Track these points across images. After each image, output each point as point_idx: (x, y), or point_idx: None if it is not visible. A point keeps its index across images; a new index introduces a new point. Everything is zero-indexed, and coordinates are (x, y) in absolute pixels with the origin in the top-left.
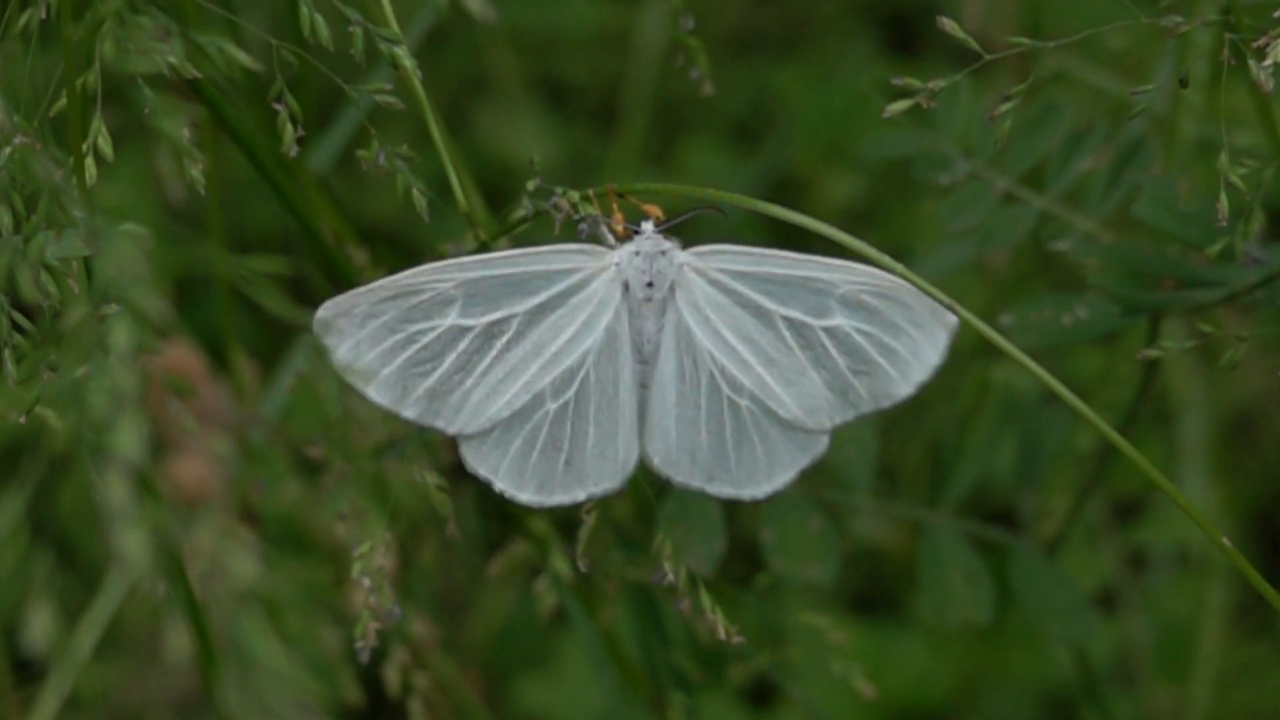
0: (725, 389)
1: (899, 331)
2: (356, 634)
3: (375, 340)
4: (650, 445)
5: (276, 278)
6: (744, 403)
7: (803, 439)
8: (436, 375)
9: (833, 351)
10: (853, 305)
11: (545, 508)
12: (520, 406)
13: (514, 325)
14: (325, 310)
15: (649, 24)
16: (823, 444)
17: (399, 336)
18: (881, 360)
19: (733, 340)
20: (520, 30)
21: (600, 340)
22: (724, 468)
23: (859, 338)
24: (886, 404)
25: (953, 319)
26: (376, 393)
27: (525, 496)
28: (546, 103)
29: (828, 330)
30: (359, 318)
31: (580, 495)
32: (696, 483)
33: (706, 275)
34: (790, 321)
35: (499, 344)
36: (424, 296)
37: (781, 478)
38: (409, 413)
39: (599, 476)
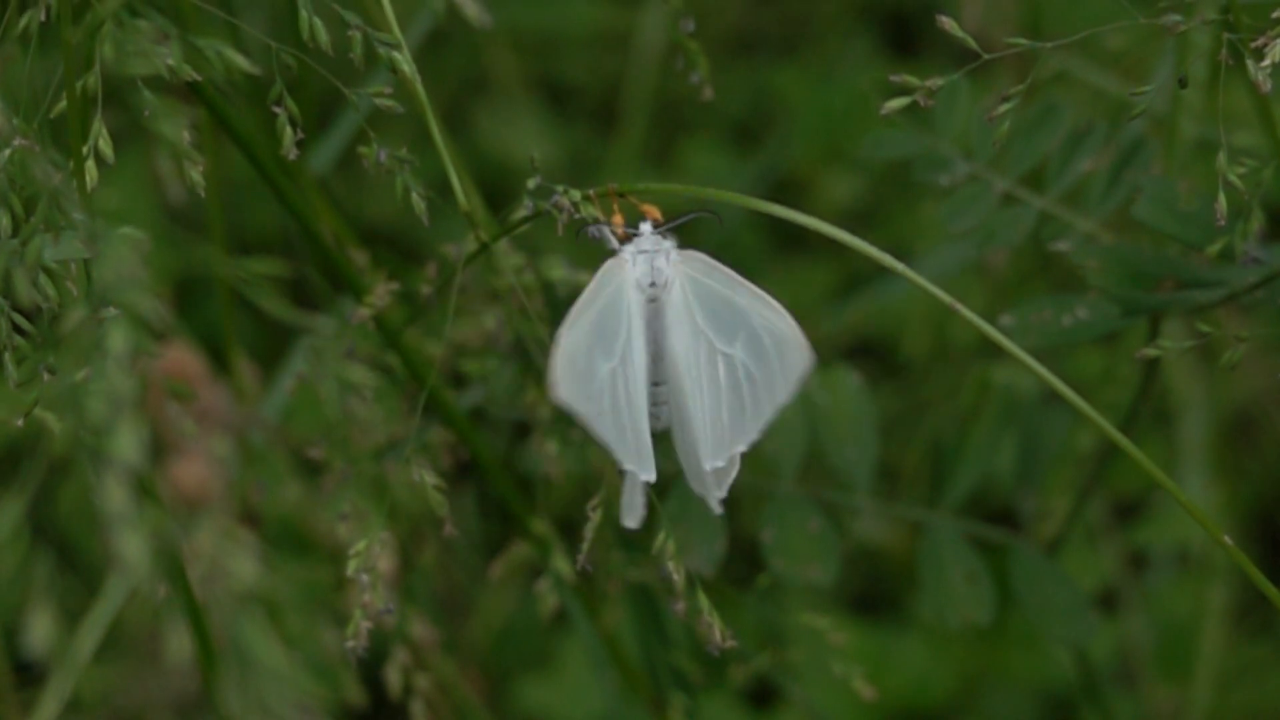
0: (721, 347)
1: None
2: (348, 633)
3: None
4: (701, 451)
5: (276, 280)
6: (738, 355)
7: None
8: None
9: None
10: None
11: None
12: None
13: (620, 349)
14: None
15: (649, 24)
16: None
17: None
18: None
19: (709, 327)
20: (520, 31)
21: (637, 344)
22: (748, 419)
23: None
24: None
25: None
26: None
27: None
28: (546, 103)
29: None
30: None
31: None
32: (739, 448)
33: (680, 274)
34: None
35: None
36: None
37: (793, 377)
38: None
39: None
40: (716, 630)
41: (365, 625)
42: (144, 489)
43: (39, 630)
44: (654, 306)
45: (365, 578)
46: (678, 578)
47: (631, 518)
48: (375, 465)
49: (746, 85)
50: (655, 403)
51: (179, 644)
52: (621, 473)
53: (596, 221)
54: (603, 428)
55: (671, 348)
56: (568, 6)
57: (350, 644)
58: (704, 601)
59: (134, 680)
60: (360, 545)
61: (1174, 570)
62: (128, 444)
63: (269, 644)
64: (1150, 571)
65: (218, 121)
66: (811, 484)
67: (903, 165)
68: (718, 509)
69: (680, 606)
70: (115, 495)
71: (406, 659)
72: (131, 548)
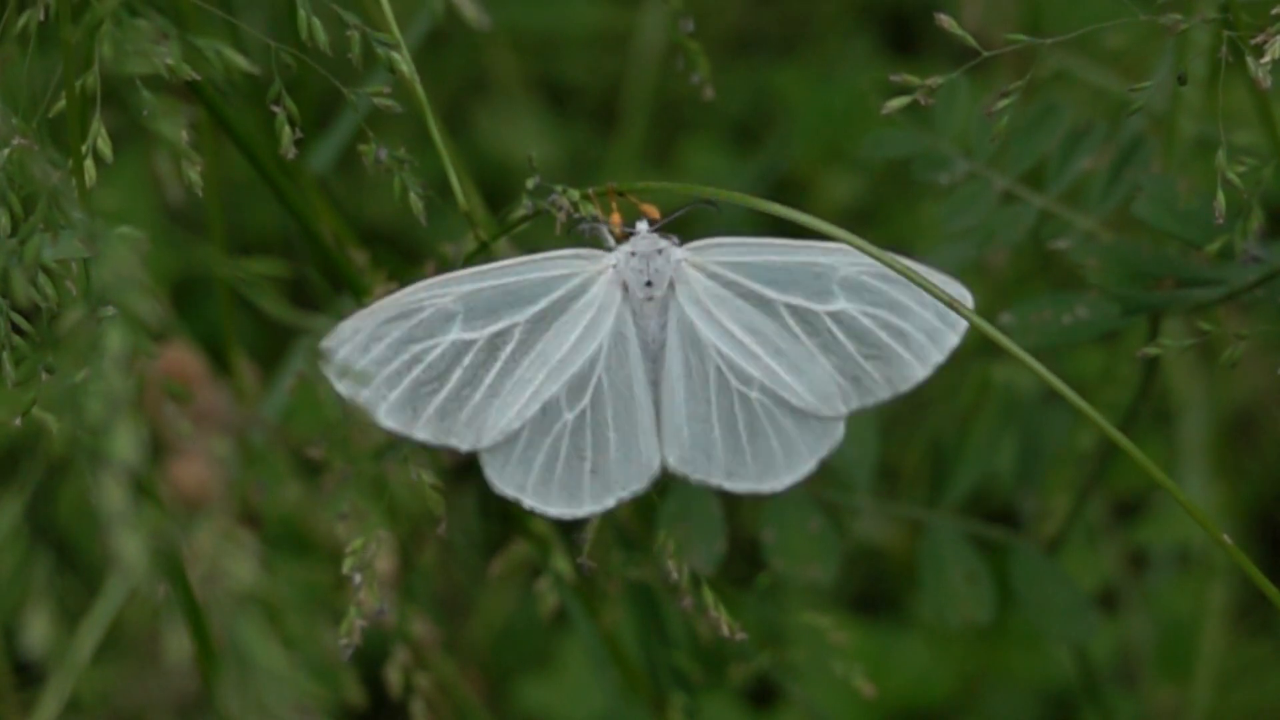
0: (734, 382)
1: (908, 312)
2: (341, 631)
3: (381, 363)
4: (665, 446)
5: (276, 280)
6: (754, 394)
7: (818, 427)
8: (444, 393)
9: (840, 336)
10: (856, 288)
11: (576, 519)
12: (534, 417)
13: (516, 334)
14: (328, 340)
15: (649, 24)
16: (839, 431)
17: (404, 357)
18: (892, 343)
19: (738, 332)
20: (520, 31)
21: (608, 344)
22: (740, 463)
23: (866, 321)
24: (904, 387)
25: (966, 294)
26: (386, 416)
27: (555, 510)
28: (546, 103)
29: (833, 315)
30: (362, 343)
31: (610, 501)
32: (715, 480)
33: (705, 269)
34: (793, 308)
35: (503, 355)
36: (425, 314)
37: (802, 468)
38: (421, 434)
39: (626, 480)
40: (724, 623)
41: (360, 624)
42: (143, 489)
43: (37, 630)
44: (652, 305)
45: (359, 576)
46: (678, 575)
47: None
48: (376, 465)
49: (746, 85)
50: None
51: (179, 644)
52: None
53: (594, 220)
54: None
55: (697, 339)
56: (568, 6)
57: (344, 642)
58: (709, 595)
59: (134, 681)
60: (357, 544)
61: (1174, 570)
62: (126, 444)
63: (268, 645)
64: (1150, 571)
65: (217, 121)
66: (811, 483)
67: (902, 164)
68: (781, 487)
69: (688, 601)
70: (114, 495)
71: (407, 658)
72: (130, 548)
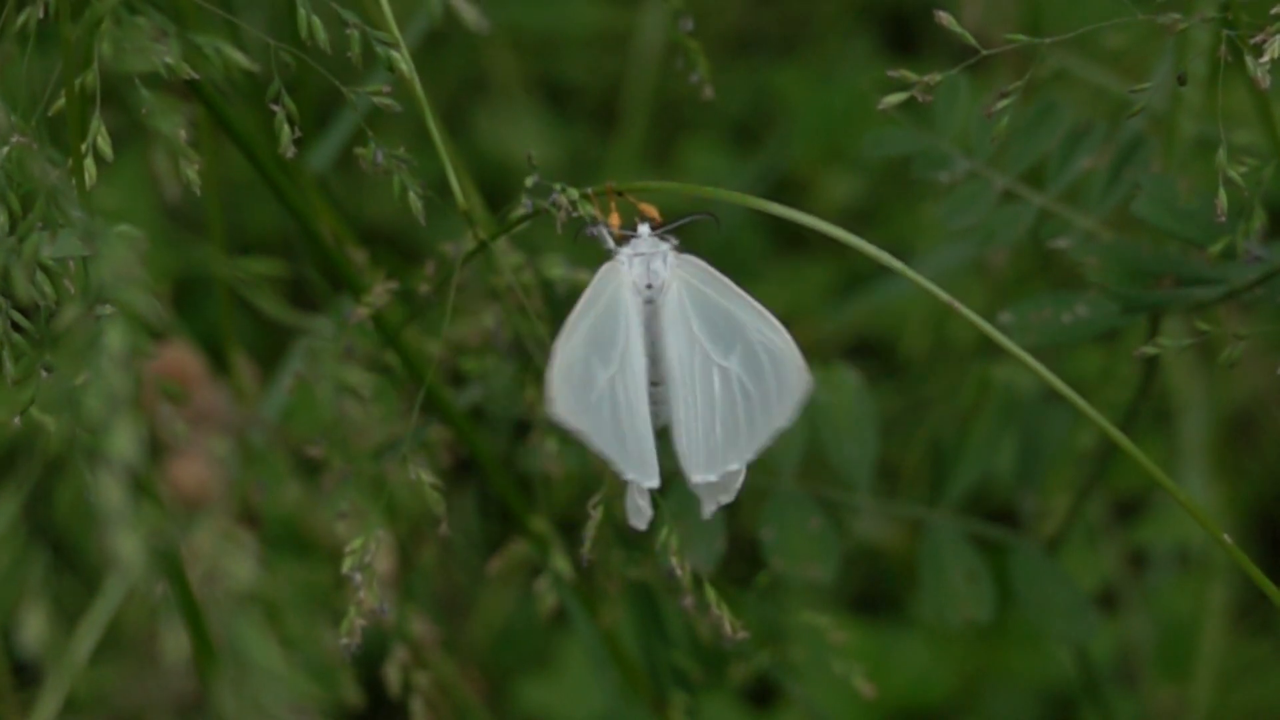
0: (717, 359)
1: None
2: (341, 631)
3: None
4: (676, 444)
5: (275, 279)
6: (733, 368)
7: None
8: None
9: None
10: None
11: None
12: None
13: (617, 355)
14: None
15: (649, 24)
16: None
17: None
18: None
19: (705, 336)
20: (520, 30)
21: (636, 347)
22: (742, 432)
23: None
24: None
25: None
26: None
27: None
28: (546, 103)
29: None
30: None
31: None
32: (734, 465)
33: (679, 278)
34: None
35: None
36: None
37: (793, 397)
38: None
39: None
40: (726, 622)
41: (360, 623)
42: (142, 489)
43: (33, 629)
44: (650, 308)
45: (359, 576)
46: (681, 573)
47: (639, 519)
48: (375, 464)
49: (746, 85)
50: (655, 401)
51: (177, 644)
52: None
53: (594, 221)
54: (602, 439)
55: (667, 352)
56: (567, 6)
57: (344, 641)
58: (711, 594)
59: (132, 680)
60: (356, 543)
61: (1174, 569)
62: (125, 442)
63: (266, 645)
64: (1150, 570)
65: (216, 120)
66: (811, 482)
67: (902, 164)
68: (707, 515)
69: (689, 601)
70: (112, 494)
71: (406, 658)
72: (128, 547)
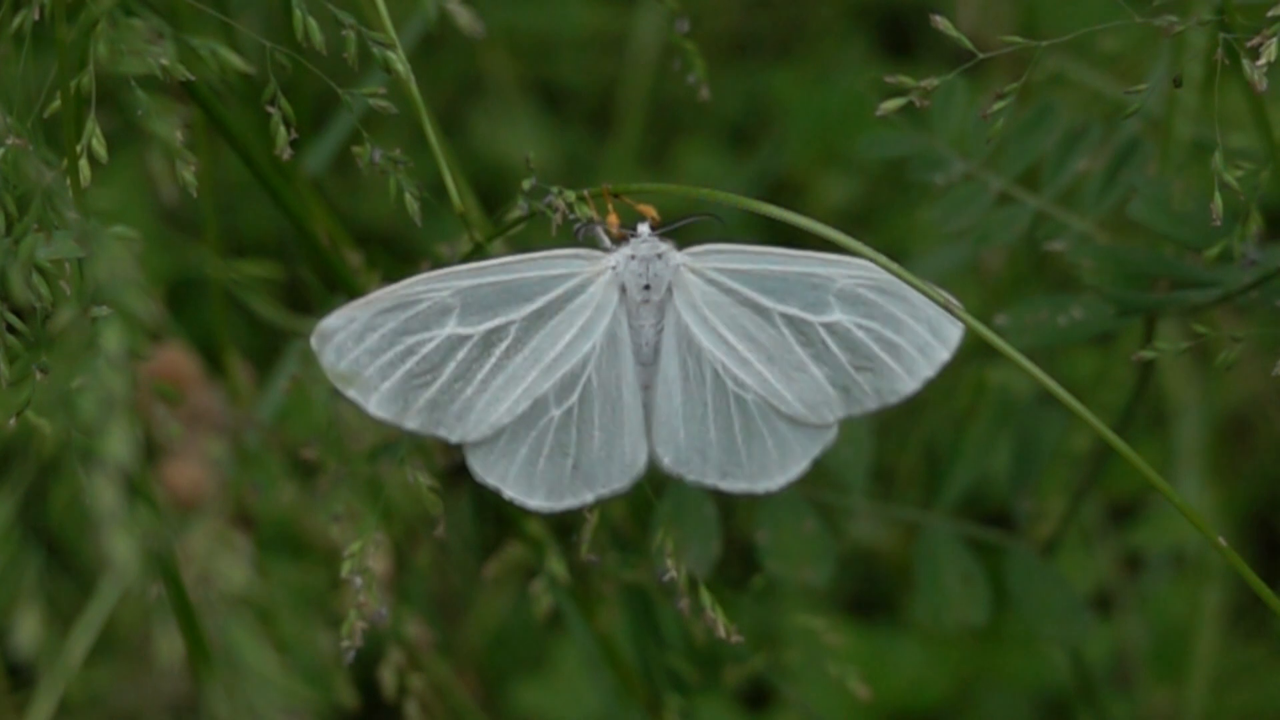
0: (730, 385)
1: (902, 326)
2: (343, 633)
3: (374, 353)
4: (659, 447)
5: (271, 281)
6: (750, 396)
7: (812, 430)
8: (437, 385)
9: (833, 347)
10: (851, 300)
11: (555, 512)
12: (522, 413)
13: (512, 332)
14: (323, 326)
15: (644, 26)
16: (832, 433)
17: (398, 349)
18: (885, 356)
19: (732, 339)
20: (515, 33)
21: (600, 344)
22: (735, 463)
23: (860, 333)
24: (892, 400)
25: (955, 301)
26: (377, 407)
27: (535, 502)
28: (542, 105)
29: (827, 326)
30: (357, 332)
31: (589, 497)
32: (710, 480)
33: (703, 275)
34: (788, 318)
35: (498, 351)
36: (422, 306)
37: (795, 469)
38: (411, 424)
39: (607, 478)
40: (720, 625)
41: (360, 626)
42: (137, 490)
43: (26, 630)
44: (649, 308)
45: (359, 579)
46: (676, 576)
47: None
48: (370, 466)
49: (742, 87)
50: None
51: (170, 646)
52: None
53: (590, 222)
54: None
55: (694, 342)
56: (563, 8)
57: (345, 645)
58: (706, 597)
59: (127, 682)
60: (355, 546)
61: (1169, 572)
62: (119, 444)
63: (259, 648)
64: (1146, 573)
65: (212, 121)
66: (806, 485)
67: (898, 165)
68: (776, 487)
69: (684, 603)
70: (106, 495)
71: (401, 660)
72: (122, 549)
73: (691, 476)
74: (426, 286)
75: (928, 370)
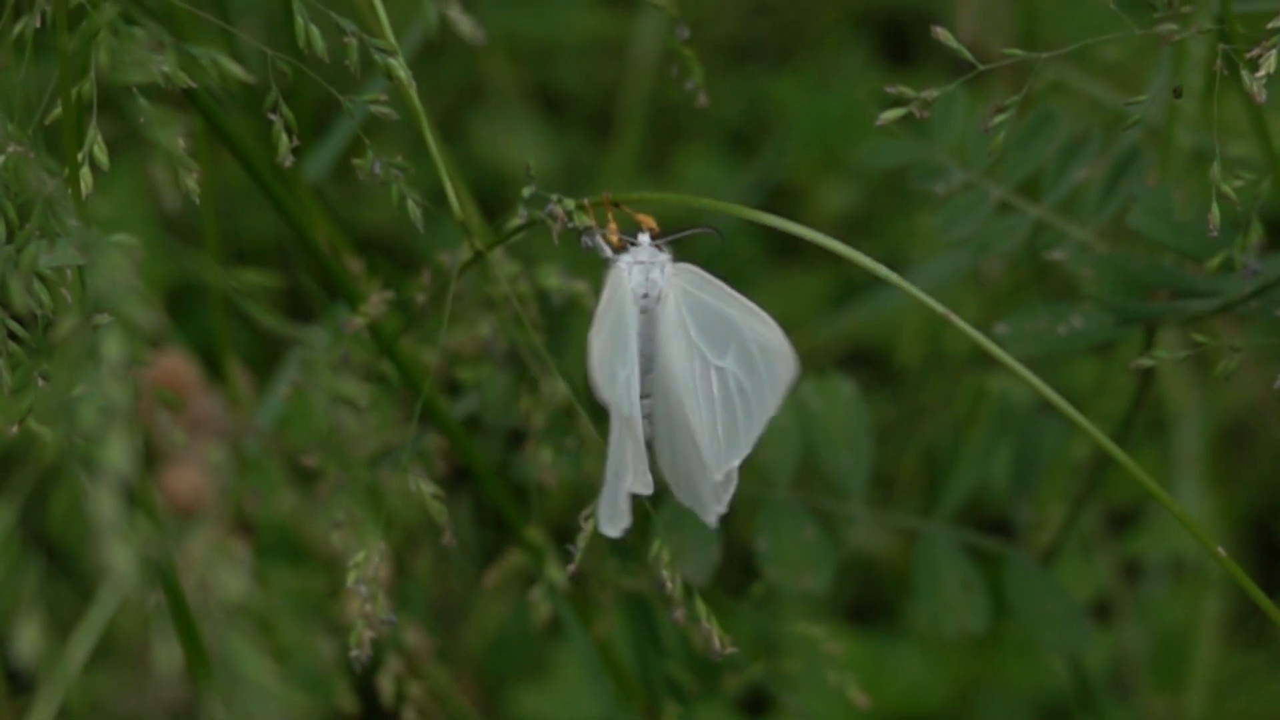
0: (714, 361)
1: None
2: (350, 642)
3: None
4: (660, 458)
5: (271, 289)
6: (732, 379)
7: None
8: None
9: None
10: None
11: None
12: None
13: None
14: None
15: (644, 32)
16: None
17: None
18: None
19: (702, 341)
20: (516, 39)
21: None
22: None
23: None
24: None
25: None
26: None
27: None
28: (542, 111)
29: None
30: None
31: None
32: (734, 461)
33: (675, 287)
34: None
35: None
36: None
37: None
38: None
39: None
40: (715, 636)
41: (368, 635)
42: (136, 498)
43: (27, 638)
44: (646, 318)
45: (365, 588)
46: (672, 585)
47: (613, 526)
48: (370, 473)
49: (742, 93)
50: (645, 415)
51: (169, 654)
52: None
53: (590, 230)
54: (617, 432)
55: (666, 361)
56: (563, 14)
57: (354, 654)
58: (702, 608)
59: (126, 688)
60: (359, 556)
61: (1169, 580)
62: (119, 453)
63: (256, 657)
64: (1145, 581)
65: (213, 129)
66: (806, 492)
67: (899, 173)
68: (713, 523)
69: (679, 614)
70: (106, 504)
71: (400, 667)
72: (121, 558)
73: (718, 475)
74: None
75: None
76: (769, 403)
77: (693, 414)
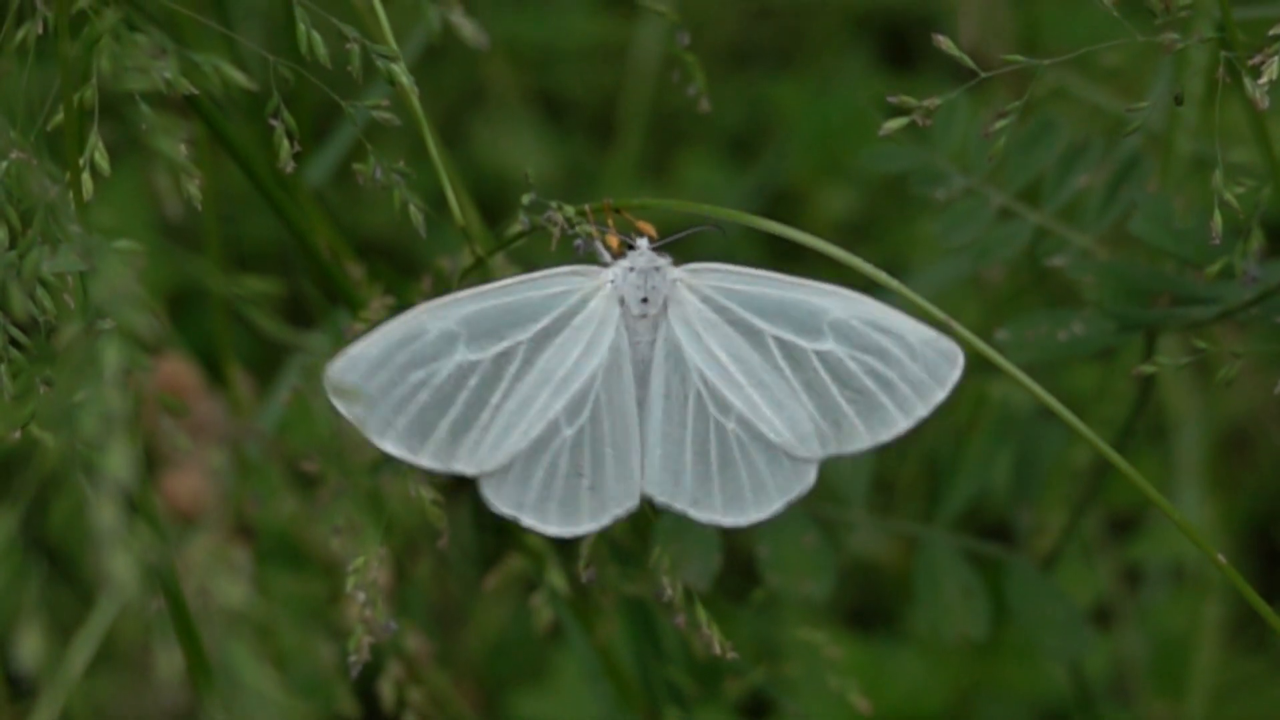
0: (712, 409)
1: (896, 362)
2: (349, 647)
3: (386, 390)
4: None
5: (272, 295)
6: (730, 425)
7: (789, 469)
8: (451, 416)
9: (825, 376)
10: (846, 332)
11: (574, 537)
12: (536, 436)
13: (520, 353)
14: (333, 368)
15: (645, 37)
16: (810, 476)
17: (410, 382)
18: (877, 390)
19: (724, 358)
20: (517, 43)
21: (606, 359)
22: (707, 492)
23: (853, 364)
24: (885, 437)
25: (958, 353)
26: (393, 445)
27: (553, 529)
28: (543, 116)
29: (820, 354)
30: (366, 370)
31: (606, 519)
32: (679, 505)
33: (699, 292)
34: (782, 342)
35: (509, 374)
36: (429, 337)
37: (768, 508)
38: (426, 460)
39: (621, 497)
40: (716, 642)
41: (367, 640)
42: (137, 504)
43: (29, 645)
44: (647, 323)
45: (364, 594)
46: (673, 592)
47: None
48: (371, 478)
49: (743, 98)
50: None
51: (170, 659)
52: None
53: (589, 236)
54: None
55: (683, 359)
56: (564, 19)
57: (352, 659)
58: (702, 613)
59: (127, 693)
60: (359, 561)
61: (1169, 585)
62: (120, 461)
63: (257, 662)
64: (1145, 586)
65: (215, 135)
66: (808, 499)
67: (900, 178)
68: (767, 515)
69: (680, 620)
70: (106, 513)
71: (400, 671)
72: (121, 567)
73: (662, 499)
74: (430, 316)
75: (922, 409)
76: (918, 372)
77: (742, 398)
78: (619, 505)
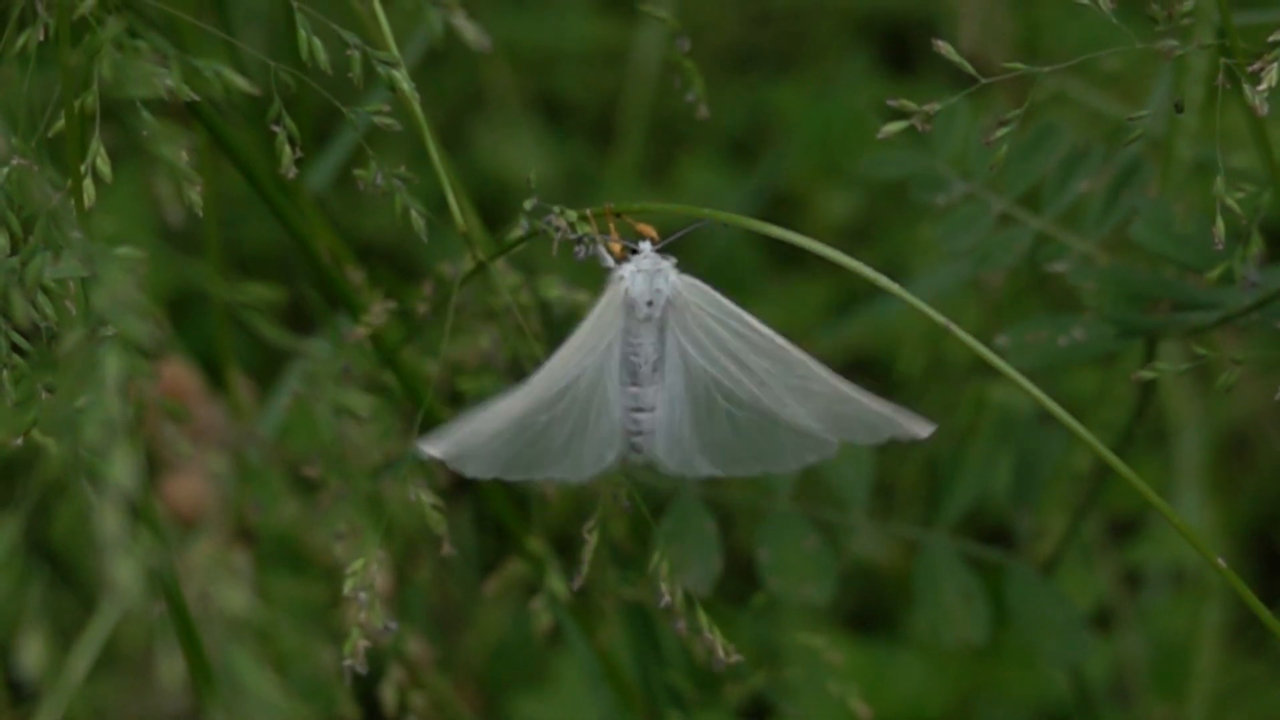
0: (723, 403)
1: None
2: (345, 651)
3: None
4: (668, 456)
5: (273, 301)
6: (742, 415)
7: (813, 440)
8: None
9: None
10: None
11: (498, 479)
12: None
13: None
14: (449, 451)
15: (646, 41)
16: (832, 447)
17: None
18: (863, 425)
19: (724, 360)
20: (518, 47)
21: (601, 357)
22: (746, 456)
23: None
24: (888, 435)
25: (924, 430)
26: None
27: (471, 470)
28: (544, 120)
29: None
30: (482, 456)
31: (538, 476)
32: (722, 470)
33: (696, 300)
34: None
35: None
36: (536, 428)
37: (801, 462)
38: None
39: (561, 469)
40: (718, 646)
41: (363, 644)
42: (138, 510)
43: (32, 651)
44: (648, 325)
45: (363, 596)
46: (672, 598)
47: (437, 448)
48: (372, 483)
49: (743, 102)
50: (640, 431)
51: (172, 664)
52: None
53: (592, 242)
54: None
55: (688, 359)
56: (565, 23)
57: (348, 663)
58: (704, 618)
59: (128, 697)
60: (357, 564)
61: (1169, 589)
62: (122, 468)
63: (257, 668)
64: (1146, 590)
65: (216, 141)
66: (807, 502)
67: (900, 182)
68: (826, 453)
69: (681, 625)
70: (109, 519)
71: (402, 676)
72: (124, 573)
73: (706, 470)
74: (525, 405)
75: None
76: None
77: (747, 394)
78: (557, 473)
